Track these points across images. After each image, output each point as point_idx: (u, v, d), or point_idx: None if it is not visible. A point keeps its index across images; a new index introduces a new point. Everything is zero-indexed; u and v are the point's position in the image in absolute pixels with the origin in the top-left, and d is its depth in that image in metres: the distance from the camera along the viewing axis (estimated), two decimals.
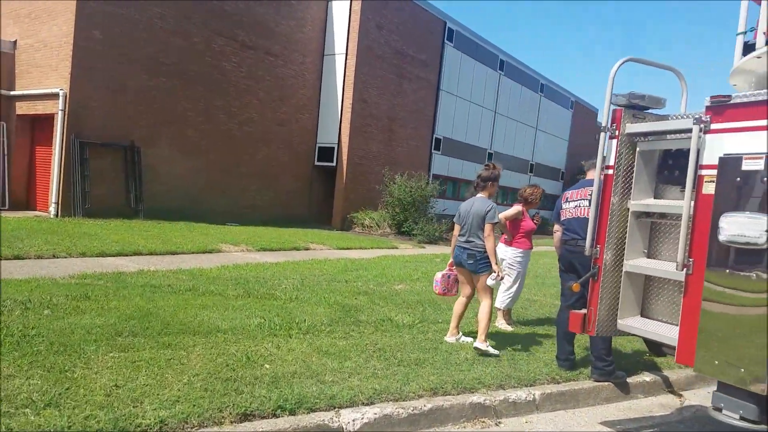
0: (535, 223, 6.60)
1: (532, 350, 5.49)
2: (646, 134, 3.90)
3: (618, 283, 4.00)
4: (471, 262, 5.31)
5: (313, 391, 3.84)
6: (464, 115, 26.63)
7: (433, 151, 24.69)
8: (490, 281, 5.26)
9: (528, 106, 31.95)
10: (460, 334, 5.57)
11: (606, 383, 4.86)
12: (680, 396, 5.16)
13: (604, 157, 3.98)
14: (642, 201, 3.94)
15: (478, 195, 5.49)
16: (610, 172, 3.93)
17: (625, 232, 3.99)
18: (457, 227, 5.48)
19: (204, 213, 16.72)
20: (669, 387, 5.25)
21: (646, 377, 5.16)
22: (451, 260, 5.66)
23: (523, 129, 31.87)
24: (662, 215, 3.94)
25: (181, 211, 16.18)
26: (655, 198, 4.00)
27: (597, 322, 3.96)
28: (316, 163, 21.11)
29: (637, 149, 3.95)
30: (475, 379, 4.45)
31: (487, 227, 5.26)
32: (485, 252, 5.25)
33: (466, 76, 26.26)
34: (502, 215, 6.32)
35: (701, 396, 5.14)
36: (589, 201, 4.70)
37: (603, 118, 3.95)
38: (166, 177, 16.29)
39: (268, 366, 4.27)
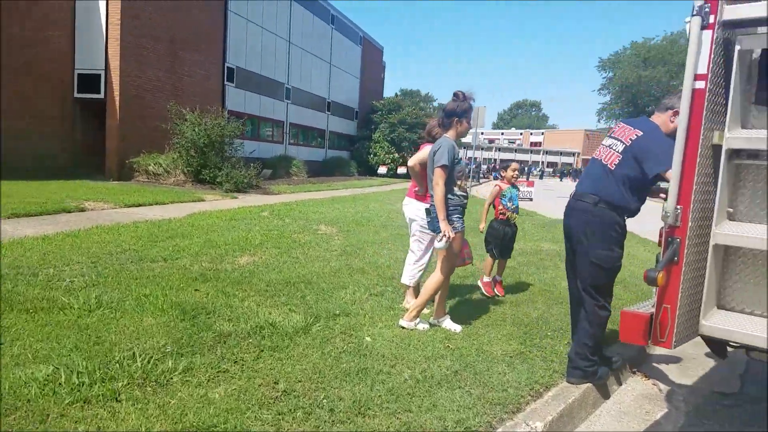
0: None
1: (473, 340, 4.00)
2: (756, 22, 2.46)
3: (702, 264, 2.60)
4: (428, 219, 4.21)
5: None
6: (257, 42, 23.68)
7: (226, 83, 21.48)
8: (437, 243, 4.04)
9: (321, 39, 30.07)
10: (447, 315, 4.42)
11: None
12: (646, 377, 4.14)
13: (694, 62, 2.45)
14: (748, 133, 2.53)
15: (443, 135, 4.16)
16: (701, 85, 2.43)
17: (712, 184, 2.58)
18: None
19: None
20: (631, 367, 4.21)
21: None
22: None
23: (318, 63, 30.01)
24: (754, 154, 2.59)
25: None
26: (742, 127, 2.64)
27: (677, 327, 2.53)
28: (77, 95, 16.55)
29: (736, 49, 2.49)
30: (455, 422, 2.77)
31: (435, 173, 3.93)
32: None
33: None
34: (412, 160, 4.62)
35: (657, 372, 4.20)
36: (624, 145, 3.31)
37: None
38: None
39: None
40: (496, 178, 49.89)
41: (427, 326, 4.23)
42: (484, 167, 57.15)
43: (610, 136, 3.45)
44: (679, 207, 2.52)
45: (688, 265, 2.55)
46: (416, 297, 4.78)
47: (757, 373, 4.06)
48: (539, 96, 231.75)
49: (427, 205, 4.52)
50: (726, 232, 2.57)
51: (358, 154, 34.54)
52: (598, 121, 53.42)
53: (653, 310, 2.62)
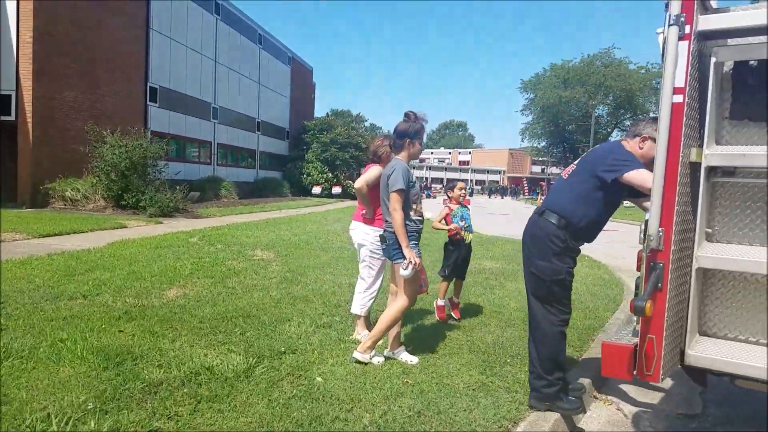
0: None
1: (432, 372, 3.76)
2: (731, 33, 2.39)
3: (684, 289, 2.47)
4: (384, 246, 3.97)
5: None
6: (182, 62, 22.85)
7: (149, 103, 20.49)
8: (403, 272, 3.73)
9: (249, 59, 29.51)
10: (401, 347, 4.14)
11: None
12: (609, 402, 4.02)
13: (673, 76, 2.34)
14: (726, 149, 2.45)
15: (395, 157, 3.91)
16: (680, 99, 2.32)
17: (690, 204, 2.46)
18: None
19: None
20: (593, 391, 4.09)
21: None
22: None
23: (247, 83, 29.37)
24: (730, 172, 2.52)
25: None
26: (716, 143, 2.56)
27: (663, 359, 2.37)
28: None
29: (712, 61, 2.41)
30: None
31: (392, 198, 3.69)
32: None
33: (179, 15, 22.43)
34: (359, 182, 4.35)
35: (619, 393, 4.10)
36: (582, 158, 3.41)
37: (671, 5, 2.32)
38: None
39: None
40: (428, 197, 50.54)
41: (382, 359, 3.94)
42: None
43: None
44: (661, 229, 2.37)
45: (672, 291, 2.41)
46: (368, 327, 4.49)
47: (716, 391, 4.03)
48: (465, 116, 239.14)
49: (380, 231, 4.25)
50: (711, 255, 2.45)
51: (291, 174, 33.99)
52: (522, 140, 55.35)
53: (636, 340, 2.46)
